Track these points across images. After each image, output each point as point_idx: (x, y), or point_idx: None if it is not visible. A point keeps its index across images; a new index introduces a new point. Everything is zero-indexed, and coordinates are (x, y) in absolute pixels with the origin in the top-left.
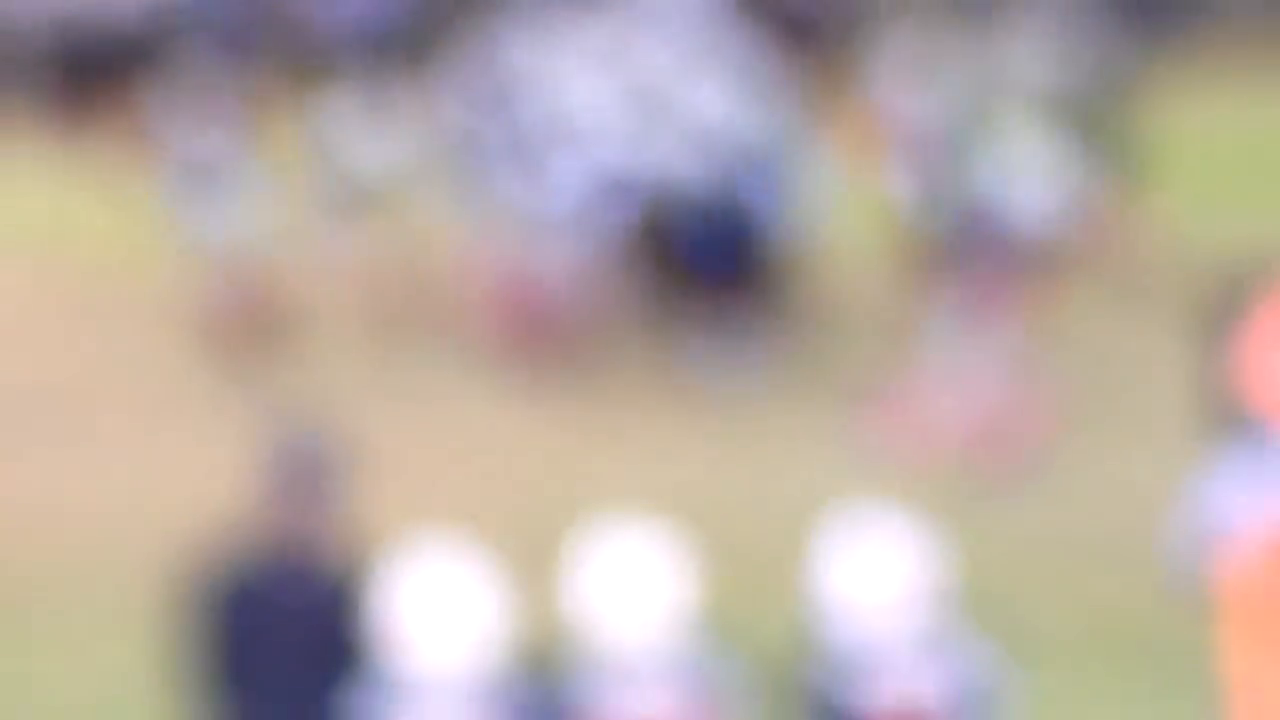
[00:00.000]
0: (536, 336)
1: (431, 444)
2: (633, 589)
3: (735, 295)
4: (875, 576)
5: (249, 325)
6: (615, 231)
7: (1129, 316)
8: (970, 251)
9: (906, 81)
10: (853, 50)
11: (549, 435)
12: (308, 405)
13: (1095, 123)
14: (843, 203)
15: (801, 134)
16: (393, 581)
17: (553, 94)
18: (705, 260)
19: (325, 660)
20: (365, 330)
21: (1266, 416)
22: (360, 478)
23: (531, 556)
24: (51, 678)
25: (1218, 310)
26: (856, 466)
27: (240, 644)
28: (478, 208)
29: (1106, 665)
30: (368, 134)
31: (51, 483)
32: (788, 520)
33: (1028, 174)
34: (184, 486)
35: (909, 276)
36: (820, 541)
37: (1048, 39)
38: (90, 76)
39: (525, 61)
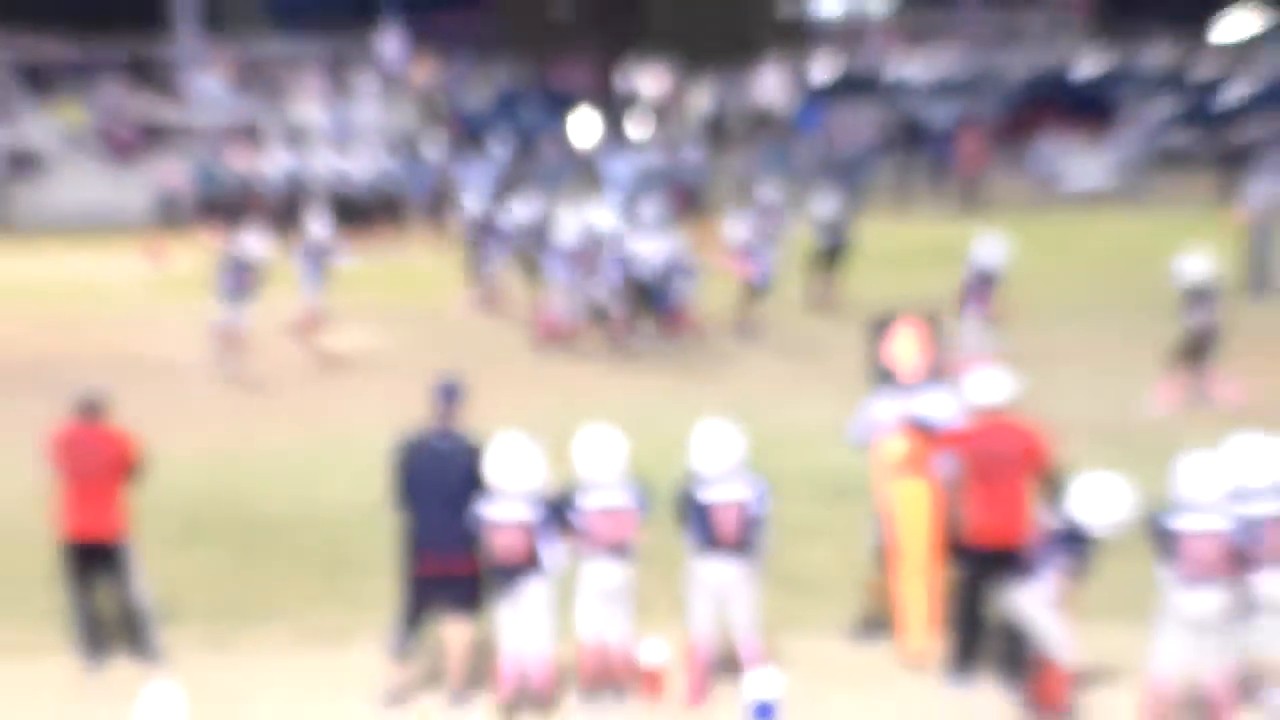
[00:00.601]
0: (559, 336)
1: (511, 386)
2: (603, 454)
3: (665, 320)
4: (718, 447)
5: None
6: (615, 288)
7: (837, 326)
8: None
9: (740, 220)
10: (714, 206)
11: (567, 384)
12: (456, 370)
13: (840, 236)
14: (711, 282)
15: (691, 249)
16: (491, 450)
17: (588, 225)
18: (654, 304)
19: (462, 485)
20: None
21: (893, 373)
22: (475, 400)
23: (558, 439)
24: (341, 490)
25: (877, 327)
26: (719, 399)
27: (420, 473)
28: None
29: (819, 492)
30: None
31: (352, 407)
32: (683, 424)
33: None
34: (401, 409)
35: (742, 316)
36: (697, 433)
37: (821, 190)
38: (348, 207)
39: (567, 212)
